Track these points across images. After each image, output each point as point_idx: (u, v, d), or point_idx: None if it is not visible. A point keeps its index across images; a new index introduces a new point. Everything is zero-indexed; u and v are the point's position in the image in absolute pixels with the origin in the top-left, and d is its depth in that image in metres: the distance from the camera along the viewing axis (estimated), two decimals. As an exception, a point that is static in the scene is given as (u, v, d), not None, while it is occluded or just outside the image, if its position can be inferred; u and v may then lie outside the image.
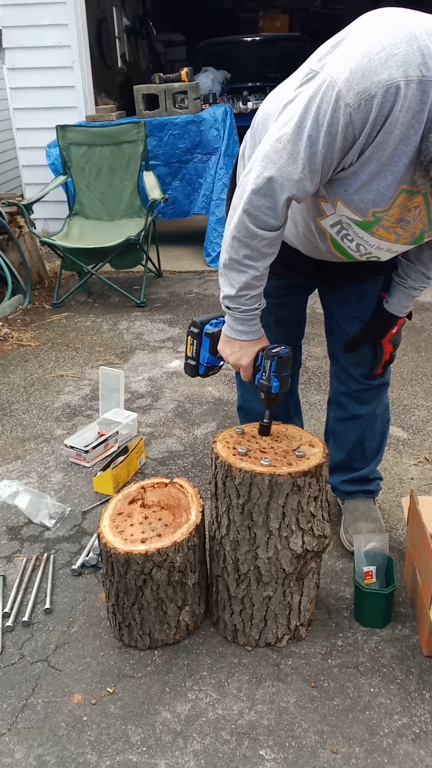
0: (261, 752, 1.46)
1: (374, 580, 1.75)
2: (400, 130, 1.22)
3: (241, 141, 1.69)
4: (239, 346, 1.58)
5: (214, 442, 1.64)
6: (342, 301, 1.84)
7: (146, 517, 1.71)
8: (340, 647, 1.70)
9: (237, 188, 1.46)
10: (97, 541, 2.06)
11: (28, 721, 1.55)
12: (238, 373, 2.04)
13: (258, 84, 7.01)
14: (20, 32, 5.11)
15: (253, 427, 1.70)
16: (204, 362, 1.72)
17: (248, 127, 1.64)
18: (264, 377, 1.56)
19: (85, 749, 1.48)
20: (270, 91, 1.60)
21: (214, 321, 1.68)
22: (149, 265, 4.41)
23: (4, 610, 1.83)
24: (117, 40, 9.02)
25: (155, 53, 10.48)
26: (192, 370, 1.74)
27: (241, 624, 1.69)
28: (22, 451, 2.66)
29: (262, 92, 6.50)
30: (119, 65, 9.06)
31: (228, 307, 1.54)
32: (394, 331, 1.82)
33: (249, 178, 1.37)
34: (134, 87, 4.89)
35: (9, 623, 1.80)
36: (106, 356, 3.49)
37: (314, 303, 1.97)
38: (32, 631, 1.79)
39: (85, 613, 1.84)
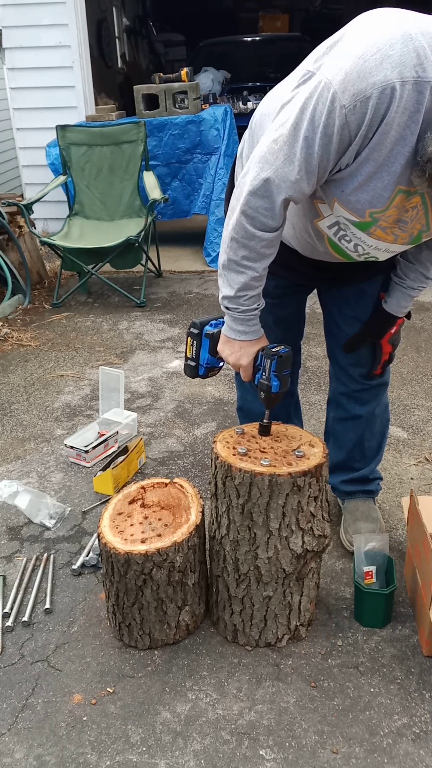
0: (261, 752, 1.46)
1: (374, 580, 1.75)
2: (396, 131, 1.22)
3: (240, 141, 1.69)
4: (239, 346, 1.58)
5: (214, 442, 1.64)
6: (341, 301, 1.84)
7: (146, 517, 1.71)
8: (340, 647, 1.70)
9: (235, 189, 1.46)
10: (97, 541, 2.06)
11: (28, 721, 1.55)
12: (237, 374, 2.04)
13: (258, 84, 7.01)
14: (20, 32, 5.11)
15: (253, 427, 1.70)
16: (204, 363, 1.72)
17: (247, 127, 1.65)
18: (264, 377, 1.56)
19: (85, 749, 1.48)
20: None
21: (213, 322, 1.68)
22: (149, 265, 4.41)
23: (4, 610, 1.83)
24: (117, 40, 9.02)
25: (155, 53, 10.48)
26: (192, 371, 1.74)
27: (241, 624, 1.69)
28: (22, 451, 2.66)
29: (262, 92, 6.50)
30: (119, 65, 9.06)
31: (227, 308, 1.55)
32: (392, 331, 1.82)
33: (246, 180, 1.38)
34: (134, 87, 4.89)
35: (9, 623, 1.80)
36: (106, 356, 3.49)
37: (314, 303, 1.97)
38: (32, 631, 1.79)
39: (85, 613, 1.84)
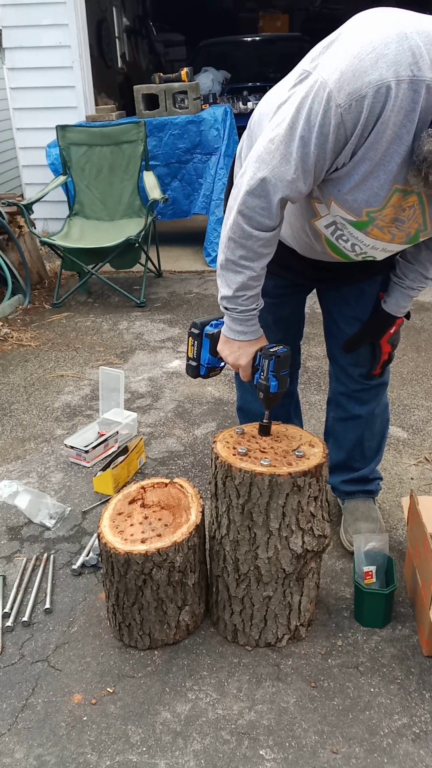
0: (261, 752, 1.46)
1: (374, 580, 1.75)
2: (392, 130, 1.23)
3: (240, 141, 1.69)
4: (238, 346, 1.59)
5: (214, 442, 1.64)
6: (341, 301, 1.84)
7: (146, 517, 1.71)
8: (340, 647, 1.70)
9: (232, 189, 1.47)
10: (97, 541, 2.06)
11: (28, 721, 1.55)
12: (237, 374, 2.05)
13: (258, 84, 7.01)
14: (20, 32, 5.11)
15: (253, 427, 1.70)
16: (205, 363, 1.72)
17: None
18: (262, 377, 1.56)
19: (85, 749, 1.48)
20: None
21: (214, 322, 1.69)
22: (149, 265, 4.41)
23: (4, 610, 1.83)
24: (117, 40, 9.02)
25: (155, 53, 10.48)
26: (193, 371, 1.75)
27: (241, 624, 1.69)
28: (22, 451, 2.66)
29: (262, 92, 6.46)
30: (119, 65, 9.06)
31: (226, 308, 1.55)
32: (392, 331, 1.82)
33: (243, 179, 1.38)
34: (134, 87, 4.89)
35: (9, 623, 1.80)
36: (106, 356, 3.49)
37: (314, 303, 1.97)
38: (32, 631, 1.79)
39: (85, 613, 1.84)
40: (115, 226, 4.35)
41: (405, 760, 1.43)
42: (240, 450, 1.58)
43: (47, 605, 1.86)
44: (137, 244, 3.98)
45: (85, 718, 1.55)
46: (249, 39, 8.26)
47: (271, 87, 1.59)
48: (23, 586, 1.93)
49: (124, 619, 1.68)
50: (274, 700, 1.57)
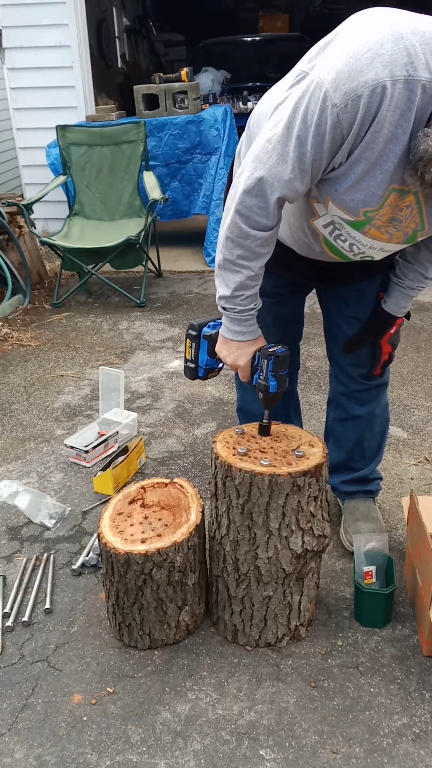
0: (261, 752, 1.46)
1: (374, 580, 1.75)
2: (388, 130, 1.23)
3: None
4: (236, 346, 1.59)
5: (214, 442, 1.64)
6: (340, 301, 1.84)
7: (146, 517, 1.71)
8: (340, 647, 1.70)
9: (231, 189, 1.47)
10: (97, 541, 2.06)
11: (28, 721, 1.55)
12: (237, 374, 2.04)
13: (258, 84, 7.01)
14: (20, 32, 5.11)
15: (252, 427, 1.70)
16: (203, 365, 1.72)
17: None
18: (261, 377, 1.56)
19: (85, 749, 1.48)
20: None
21: (212, 323, 1.68)
22: (149, 265, 4.41)
23: (4, 610, 1.83)
24: (117, 40, 9.02)
25: (155, 53, 10.48)
26: (191, 373, 1.74)
27: (241, 624, 1.69)
28: (22, 451, 2.66)
29: (262, 92, 6.44)
30: (119, 65, 9.06)
31: (224, 308, 1.55)
32: (392, 331, 1.82)
33: (241, 179, 1.39)
34: (134, 87, 4.89)
35: (9, 623, 1.80)
36: (106, 356, 3.49)
37: (314, 303, 1.97)
38: (32, 631, 1.79)
39: (85, 613, 1.84)
40: (115, 226, 4.35)
41: (405, 760, 1.43)
42: (240, 450, 1.58)
43: (47, 605, 1.86)
44: (138, 245, 3.98)
45: (85, 718, 1.55)
46: (249, 39, 8.26)
47: (271, 87, 1.59)
48: (23, 586, 1.93)
49: (124, 619, 1.68)
50: (274, 700, 1.57)
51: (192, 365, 1.73)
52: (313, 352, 3.31)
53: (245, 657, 1.69)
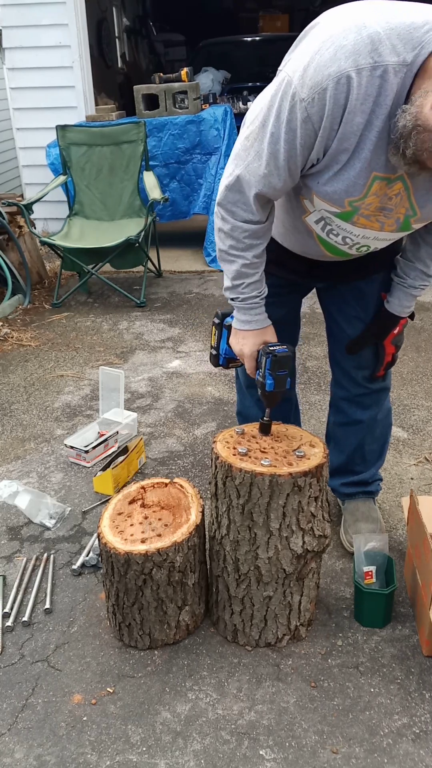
0: (261, 752, 1.46)
1: (374, 580, 1.75)
2: (361, 118, 1.24)
3: None
4: (242, 335, 1.62)
5: (214, 442, 1.64)
6: (340, 301, 1.84)
7: (146, 517, 1.71)
8: (340, 647, 1.70)
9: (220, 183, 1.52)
10: (97, 541, 2.06)
11: (28, 721, 1.55)
12: (238, 378, 2.05)
13: (258, 84, 7.00)
14: (20, 32, 5.11)
15: (253, 427, 1.70)
16: (223, 353, 1.76)
17: None
18: (260, 374, 1.57)
19: (85, 749, 1.48)
20: None
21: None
22: (149, 265, 4.41)
23: (4, 610, 1.83)
24: (117, 40, 9.02)
25: (155, 53, 10.48)
26: (214, 360, 1.79)
27: (241, 624, 1.69)
28: (22, 451, 2.66)
29: (262, 92, 6.50)
30: (119, 65, 9.06)
31: (231, 299, 1.60)
32: (395, 331, 1.81)
33: (224, 175, 1.45)
34: (134, 87, 4.89)
35: (9, 623, 1.80)
36: (106, 356, 3.49)
37: (314, 303, 1.97)
38: (32, 631, 1.79)
39: (85, 613, 1.84)
40: (115, 226, 4.35)
41: (405, 760, 1.43)
42: (240, 450, 1.58)
43: (47, 605, 1.86)
44: (138, 245, 3.98)
45: (85, 718, 1.55)
46: (249, 39, 8.26)
47: None
48: (23, 586, 1.93)
49: (124, 619, 1.68)
50: (274, 700, 1.57)
51: (214, 352, 1.78)
52: (313, 352, 3.31)
53: (245, 657, 1.69)
